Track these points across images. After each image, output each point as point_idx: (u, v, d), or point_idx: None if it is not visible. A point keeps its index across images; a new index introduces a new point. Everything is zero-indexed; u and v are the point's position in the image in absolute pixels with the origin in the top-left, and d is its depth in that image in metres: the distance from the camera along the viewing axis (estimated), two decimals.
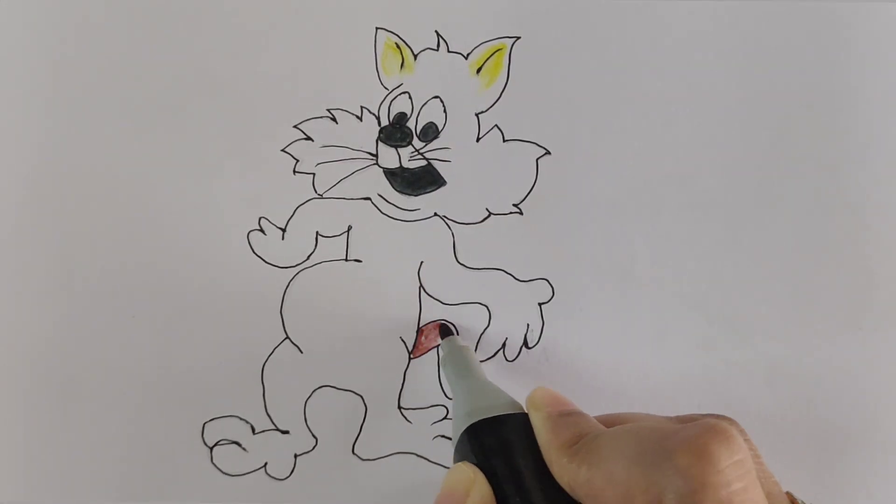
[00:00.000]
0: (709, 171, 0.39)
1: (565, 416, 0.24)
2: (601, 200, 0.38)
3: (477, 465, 0.24)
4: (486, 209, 0.38)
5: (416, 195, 0.38)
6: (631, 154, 0.39)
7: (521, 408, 0.26)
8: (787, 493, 0.24)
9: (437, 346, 0.38)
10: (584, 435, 0.23)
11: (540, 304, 0.38)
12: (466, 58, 0.39)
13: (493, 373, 0.38)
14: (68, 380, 0.38)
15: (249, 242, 0.38)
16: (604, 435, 0.23)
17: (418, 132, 0.38)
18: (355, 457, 0.38)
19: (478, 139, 0.39)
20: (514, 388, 0.37)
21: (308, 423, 0.38)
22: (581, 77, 0.39)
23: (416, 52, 0.39)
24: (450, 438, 0.38)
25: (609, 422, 0.25)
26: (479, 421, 0.25)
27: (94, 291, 0.38)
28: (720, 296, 0.38)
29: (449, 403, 0.38)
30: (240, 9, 0.39)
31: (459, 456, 0.25)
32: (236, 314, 0.38)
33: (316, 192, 0.39)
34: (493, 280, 0.38)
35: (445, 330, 0.37)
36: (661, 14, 0.39)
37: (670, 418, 0.26)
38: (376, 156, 0.39)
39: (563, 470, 0.23)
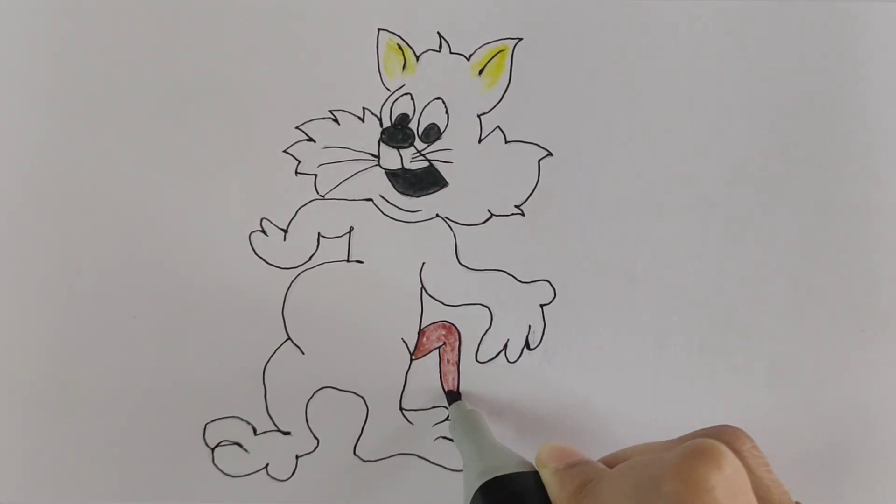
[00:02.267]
0: (711, 173, 0.39)
1: (571, 467, 0.25)
2: (603, 202, 0.38)
3: None
4: (488, 210, 0.38)
5: (417, 196, 0.38)
6: (633, 155, 0.39)
7: (532, 466, 0.27)
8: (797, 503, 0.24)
9: (439, 348, 0.38)
10: (588, 482, 0.23)
11: (542, 306, 0.38)
12: (468, 59, 0.39)
13: (494, 375, 0.38)
14: (69, 380, 0.38)
15: (251, 243, 0.38)
16: (604, 478, 0.23)
17: (420, 133, 0.38)
18: (357, 458, 0.38)
19: (480, 140, 0.39)
20: (516, 389, 0.38)
21: (309, 424, 0.38)
22: (583, 78, 0.39)
23: (418, 54, 0.39)
24: (451, 440, 0.38)
25: (612, 461, 0.25)
26: (492, 479, 0.26)
27: (96, 292, 0.38)
28: (722, 297, 0.38)
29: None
30: (241, 9, 0.39)
31: None
32: (238, 315, 0.38)
33: (318, 193, 0.39)
34: (495, 281, 0.38)
35: (452, 396, 0.37)
36: (662, 15, 0.39)
37: (668, 443, 0.26)
38: (378, 157, 0.39)
39: None
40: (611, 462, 0.26)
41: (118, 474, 0.38)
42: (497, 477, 0.26)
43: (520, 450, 0.29)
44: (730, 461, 0.20)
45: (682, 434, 0.27)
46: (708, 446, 0.20)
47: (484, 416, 0.34)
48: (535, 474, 0.26)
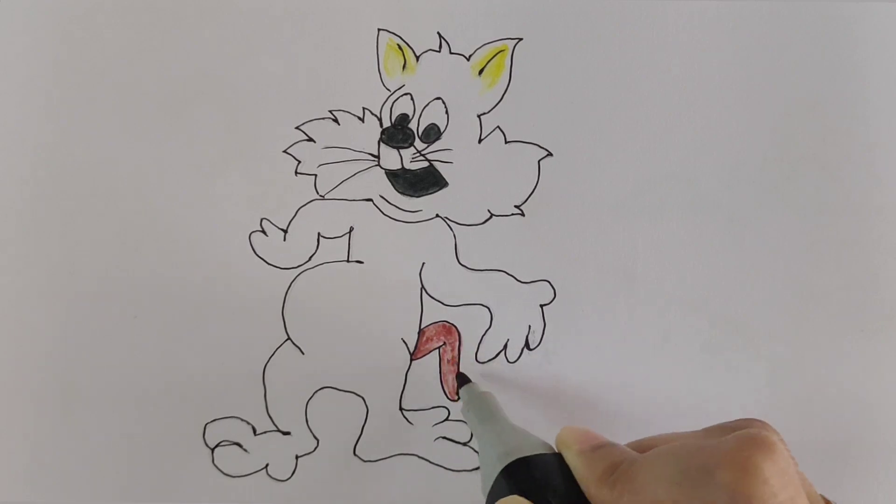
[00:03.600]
0: (711, 173, 0.39)
1: (597, 449, 0.24)
2: (603, 202, 0.38)
3: None
4: (488, 210, 0.38)
5: (417, 196, 0.38)
6: (633, 155, 0.39)
7: (552, 448, 0.26)
8: (822, 496, 0.24)
9: (439, 348, 0.38)
10: (619, 464, 0.23)
11: (542, 306, 0.38)
12: (468, 59, 0.39)
13: (494, 375, 0.38)
14: (70, 380, 0.38)
15: (251, 243, 0.38)
16: (640, 460, 0.23)
17: (420, 133, 0.38)
18: (357, 458, 0.38)
19: (480, 140, 0.39)
20: (516, 390, 0.38)
21: (309, 424, 0.38)
22: (583, 78, 0.39)
23: (418, 54, 0.39)
24: (452, 440, 0.38)
25: (639, 448, 0.25)
26: (515, 461, 0.25)
27: (97, 292, 0.38)
28: (722, 297, 0.38)
29: (450, 405, 0.38)
30: (242, 9, 0.39)
31: (494, 497, 0.25)
32: (238, 315, 0.38)
33: (318, 193, 0.39)
34: (495, 281, 0.38)
35: (463, 378, 0.37)
36: (662, 15, 0.39)
37: (698, 433, 0.26)
38: (378, 157, 0.39)
39: (605, 501, 0.23)
40: (637, 447, 0.25)
41: (118, 474, 0.38)
42: (520, 458, 0.25)
43: None
44: (782, 453, 0.20)
45: (693, 429, 0.27)
46: (762, 437, 0.20)
47: (496, 397, 0.33)
48: (558, 456, 0.25)
